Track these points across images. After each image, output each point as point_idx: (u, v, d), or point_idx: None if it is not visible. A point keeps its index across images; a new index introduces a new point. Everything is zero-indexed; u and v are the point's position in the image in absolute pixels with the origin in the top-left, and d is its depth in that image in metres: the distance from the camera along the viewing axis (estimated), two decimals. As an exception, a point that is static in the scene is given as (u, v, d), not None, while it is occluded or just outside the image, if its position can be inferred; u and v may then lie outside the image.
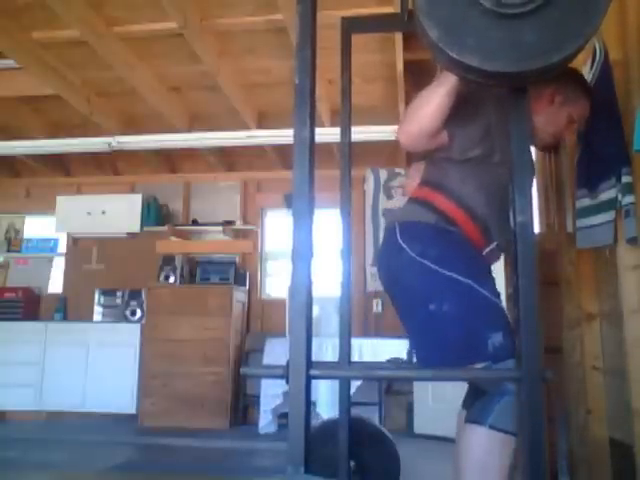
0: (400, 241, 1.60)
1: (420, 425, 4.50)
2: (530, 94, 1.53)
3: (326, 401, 4.13)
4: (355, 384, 3.98)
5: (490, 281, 1.61)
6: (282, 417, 4.59)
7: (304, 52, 1.22)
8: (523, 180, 1.13)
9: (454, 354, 1.51)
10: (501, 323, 1.50)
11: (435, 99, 1.47)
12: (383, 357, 4.46)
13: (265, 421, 4.59)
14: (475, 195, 1.61)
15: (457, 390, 1.88)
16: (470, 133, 1.58)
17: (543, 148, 2.00)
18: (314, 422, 1.64)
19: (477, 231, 1.61)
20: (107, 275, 5.87)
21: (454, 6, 1.04)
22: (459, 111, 1.52)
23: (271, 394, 4.56)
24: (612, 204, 1.81)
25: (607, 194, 1.84)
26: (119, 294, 5.74)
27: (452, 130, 1.55)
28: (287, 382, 1.18)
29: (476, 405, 1.51)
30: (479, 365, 1.47)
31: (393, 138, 4.94)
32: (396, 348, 4.53)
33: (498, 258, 1.75)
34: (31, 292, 5.90)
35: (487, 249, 1.65)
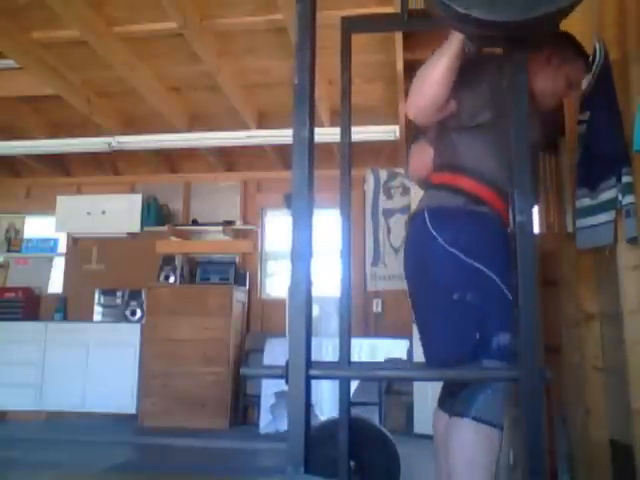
0: (431, 229, 1.56)
1: (420, 425, 4.50)
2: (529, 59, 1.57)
3: (329, 401, 4.13)
4: (353, 384, 3.98)
5: (513, 277, 1.60)
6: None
7: (304, 52, 1.22)
8: (523, 180, 1.13)
9: (468, 345, 1.49)
10: (512, 325, 1.49)
11: (440, 66, 1.45)
12: (383, 357, 4.46)
13: (265, 421, 4.59)
14: (492, 164, 1.58)
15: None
16: (477, 96, 1.57)
17: (546, 110, 1.97)
18: (313, 423, 1.64)
19: (503, 202, 1.58)
20: (107, 275, 5.87)
21: None
22: (464, 76, 1.50)
23: (271, 394, 4.56)
24: (612, 204, 1.81)
25: (607, 194, 1.84)
26: (119, 294, 5.75)
27: (459, 95, 1.54)
28: (287, 382, 1.17)
29: (459, 397, 1.51)
30: (487, 361, 1.47)
31: (393, 138, 4.95)
32: (396, 348, 4.53)
33: None
34: (31, 292, 5.90)
35: None
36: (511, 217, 1.60)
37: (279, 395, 4.49)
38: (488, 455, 1.45)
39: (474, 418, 1.45)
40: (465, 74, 1.51)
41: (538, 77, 1.70)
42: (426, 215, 1.59)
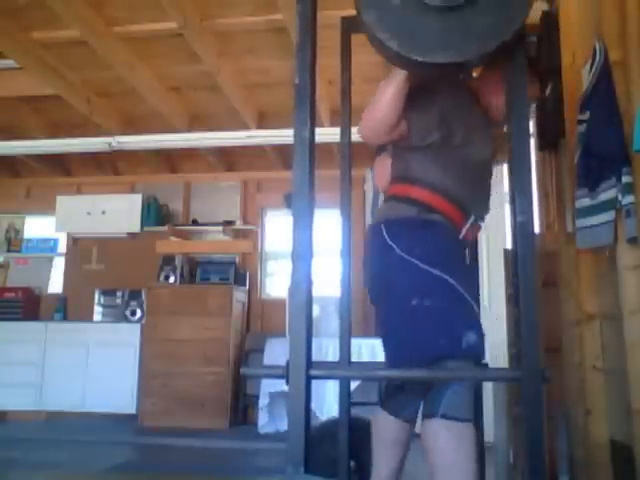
0: (388, 239, 1.64)
1: (420, 425, 4.49)
2: (483, 76, 1.78)
3: (333, 403, 4.12)
4: (353, 384, 3.98)
5: (469, 281, 1.67)
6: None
7: (304, 52, 1.22)
8: (523, 180, 1.13)
9: (431, 348, 1.53)
10: (474, 324, 1.56)
11: (390, 89, 1.51)
12: (382, 357, 4.45)
13: (263, 421, 4.59)
14: (444, 177, 1.66)
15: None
16: (426, 119, 1.63)
17: (500, 125, 2.02)
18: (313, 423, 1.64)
19: (455, 210, 1.67)
20: (107, 275, 5.87)
21: (403, 14, 1.15)
22: (414, 99, 1.57)
23: (267, 394, 4.56)
24: (612, 204, 1.81)
25: (607, 194, 1.84)
26: (119, 294, 5.75)
27: (409, 116, 1.60)
28: (287, 382, 1.18)
29: (426, 400, 1.56)
30: (453, 362, 1.51)
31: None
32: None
33: (479, 229, 1.80)
34: (31, 292, 5.90)
35: (467, 225, 1.70)
36: (464, 218, 1.69)
37: (273, 395, 4.49)
38: (465, 450, 1.48)
39: (443, 416, 1.49)
40: (416, 96, 1.58)
41: (492, 93, 1.78)
42: (382, 227, 1.67)
